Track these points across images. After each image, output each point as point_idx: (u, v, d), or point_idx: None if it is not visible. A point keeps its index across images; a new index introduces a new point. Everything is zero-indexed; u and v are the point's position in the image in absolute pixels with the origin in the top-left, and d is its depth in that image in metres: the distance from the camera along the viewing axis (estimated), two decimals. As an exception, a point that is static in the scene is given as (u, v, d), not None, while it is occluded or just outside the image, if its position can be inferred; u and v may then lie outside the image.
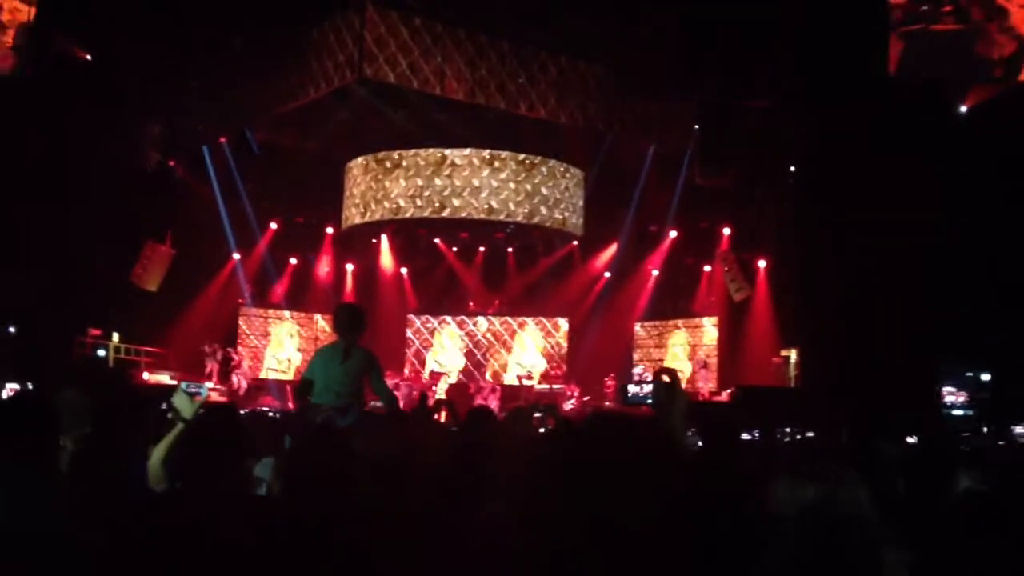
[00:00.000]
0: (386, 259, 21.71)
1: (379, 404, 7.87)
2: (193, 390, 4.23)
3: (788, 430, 9.40)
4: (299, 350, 20.99)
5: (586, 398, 18.97)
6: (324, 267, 21.59)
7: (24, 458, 2.91)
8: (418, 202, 18.28)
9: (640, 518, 1.40)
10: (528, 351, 21.51)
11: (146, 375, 17.77)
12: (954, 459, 4.10)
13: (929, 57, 12.56)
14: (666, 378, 2.71)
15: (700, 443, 4.30)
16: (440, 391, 19.01)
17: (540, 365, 21.22)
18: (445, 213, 18.29)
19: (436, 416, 9.32)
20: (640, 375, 19.52)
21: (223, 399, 15.74)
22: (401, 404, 11.22)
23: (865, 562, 2.37)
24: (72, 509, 2.95)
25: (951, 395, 13.62)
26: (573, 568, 1.46)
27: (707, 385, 19.17)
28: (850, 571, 2.35)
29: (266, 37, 15.55)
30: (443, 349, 21.70)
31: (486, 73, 16.00)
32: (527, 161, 18.51)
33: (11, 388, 10.64)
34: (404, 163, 18.39)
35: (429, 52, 15.62)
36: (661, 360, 20.12)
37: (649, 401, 2.80)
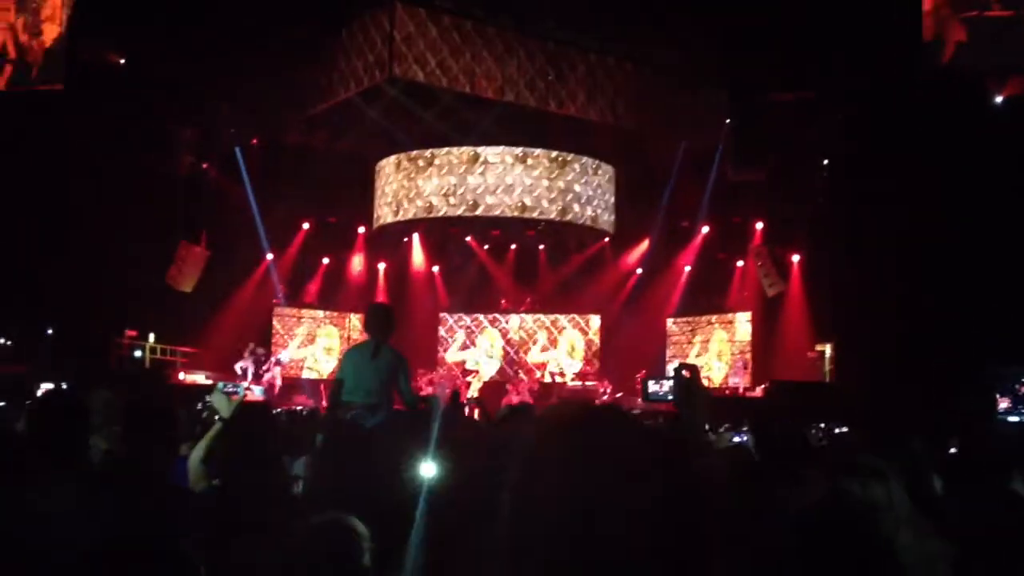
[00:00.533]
0: (418, 258, 21.76)
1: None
2: (230, 389, 4.29)
3: (823, 425, 9.31)
4: (327, 349, 21.05)
5: (619, 394, 18.92)
6: (356, 266, 21.66)
7: (56, 455, 2.94)
8: (451, 200, 18.28)
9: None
10: (560, 349, 21.48)
11: (182, 375, 17.95)
12: (1006, 463, 4.00)
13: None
14: (686, 374, 2.69)
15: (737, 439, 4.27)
16: (473, 389, 19.03)
17: (572, 363, 21.18)
18: (478, 211, 18.27)
19: (468, 414, 9.37)
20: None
21: (259, 398, 15.87)
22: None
23: (909, 553, 2.36)
24: (104, 507, 2.98)
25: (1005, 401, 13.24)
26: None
27: (741, 381, 19.05)
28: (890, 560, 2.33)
29: (296, 39, 15.64)
30: (475, 347, 21.72)
31: (515, 71, 15.98)
32: (560, 158, 18.45)
33: (46, 387, 10.77)
34: (437, 161, 18.39)
35: (458, 50, 15.64)
36: (688, 356, 20.00)
37: (670, 398, 2.78)
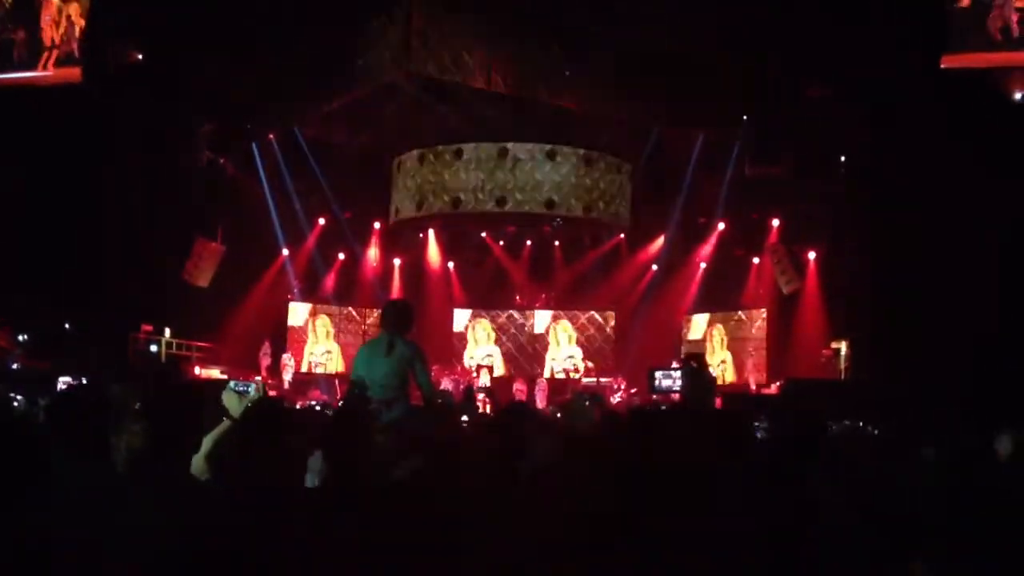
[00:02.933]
0: (433, 254, 21.77)
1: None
2: (241, 388, 4.28)
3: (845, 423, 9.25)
4: (340, 343, 21.03)
5: (633, 391, 18.89)
6: (372, 262, 21.69)
7: (78, 450, 2.95)
8: (480, 195, 18.11)
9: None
10: (571, 345, 21.47)
11: (197, 370, 18.02)
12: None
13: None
14: (694, 364, 2.70)
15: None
16: (484, 383, 19.04)
17: (580, 358, 21.18)
18: (507, 207, 18.13)
19: (478, 405, 9.39)
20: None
21: (273, 393, 15.91)
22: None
23: None
24: (126, 501, 2.98)
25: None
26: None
27: (754, 377, 19.01)
28: None
29: (314, 34, 15.64)
30: (484, 343, 21.71)
31: (533, 66, 15.94)
32: (586, 155, 18.32)
33: (64, 381, 10.81)
34: (465, 156, 18.20)
35: (476, 46, 15.60)
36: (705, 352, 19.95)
37: (676, 388, 2.78)
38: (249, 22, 15.10)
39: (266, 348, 19.30)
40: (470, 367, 20.93)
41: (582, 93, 16.38)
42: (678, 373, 8.88)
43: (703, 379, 2.58)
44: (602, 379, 19.89)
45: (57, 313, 16.07)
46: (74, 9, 14.86)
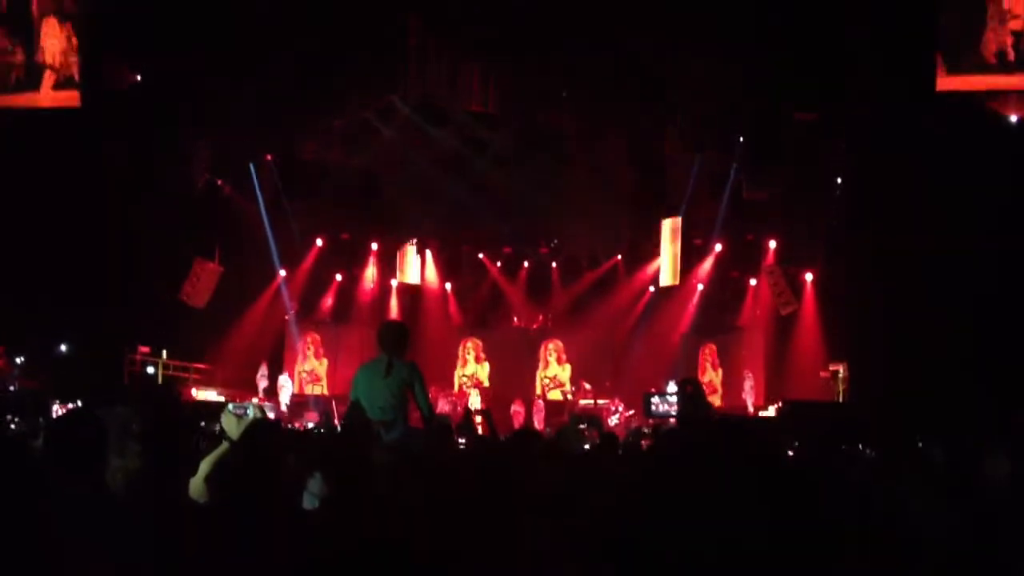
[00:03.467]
0: (431, 274, 21.77)
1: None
2: (239, 411, 4.28)
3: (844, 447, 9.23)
4: (323, 361, 20.93)
5: (630, 412, 18.84)
6: (369, 282, 21.66)
7: (75, 473, 2.95)
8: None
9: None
10: (560, 366, 21.42)
11: (194, 391, 17.96)
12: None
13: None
14: (689, 388, 2.71)
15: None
16: (474, 402, 18.98)
17: (578, 380, 21.12)
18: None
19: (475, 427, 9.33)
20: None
21: (271, 415, 15.84)
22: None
23: None
24: (124, 524, 2.97)
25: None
26: None
27: (750, 399, 18.97)
28: None
29: (311, 56, 15.71)
30: (482, 364, 21.64)
31: (529, 87, 16.02)
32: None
33: (60, 406, 10.79)
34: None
35: (470, 68, 15.68)
36: (704, 373, 19.93)
37: (673, 413, 2.80)
38: (246, 45, 15.16)
39: (263, 370, 19.25)
40: (463, 384, 20.86)
41: (580, 115, 16.45)
42: (674, 398, 8.87)
43: (700, 403, 2.60)
44: (599, 401, 19.83)
45: (54, 334, 16.04)
46: (70, 29, 14.86)
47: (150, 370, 17.59)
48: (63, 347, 16.27)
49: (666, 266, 20.18)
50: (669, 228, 19.91)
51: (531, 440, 4.68)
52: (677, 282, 19.81)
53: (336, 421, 15.03)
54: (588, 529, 2.91)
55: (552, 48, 15.85)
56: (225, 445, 4.03)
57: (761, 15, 13.82)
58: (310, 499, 4.45)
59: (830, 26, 13.48)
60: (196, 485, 3.83)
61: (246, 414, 4.22)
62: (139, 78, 15.90)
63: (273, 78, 16.00)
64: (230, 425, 4.14)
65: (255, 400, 16.92)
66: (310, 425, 15.56)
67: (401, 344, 7.35)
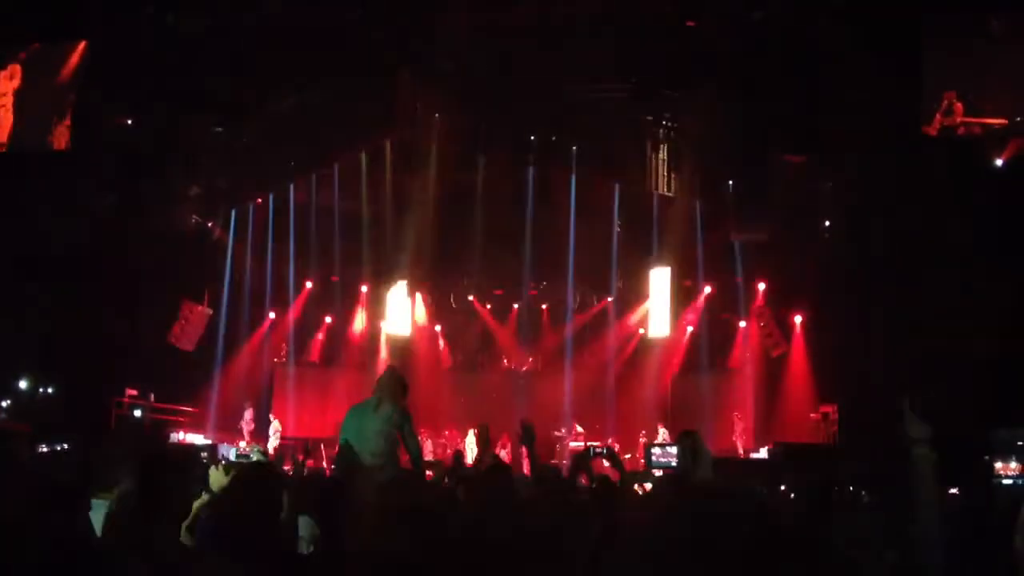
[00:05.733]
0: (420, 317, 21.74)
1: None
2: (241, 456, 4.48)
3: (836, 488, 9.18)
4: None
5: (627, 456, 18.76)
6: (359, 325, 21.60)
7: (60, 513, 2.91)
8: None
9: None
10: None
11: (182, 435, 17.80)
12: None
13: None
14: (688, 441, 2.69)
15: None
16: (469, 445, 18.86)
17: (569, 422, 21.01)
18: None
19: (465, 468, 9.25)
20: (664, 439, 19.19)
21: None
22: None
23: None
24: (108, 565, 2.93)
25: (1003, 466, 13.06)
26: None
27: (740, 442, 18.90)
28: None
29: (300, 100, 15.80)
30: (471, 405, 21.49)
31: (520, 133, 16.13)
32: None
33: (46, 448, 10.66)
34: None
35: (460, 115, 15.79)
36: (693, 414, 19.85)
37: (674, 463, 2.79)
38: (238, 90, 15.25)
39: (249, 415, 19.07)
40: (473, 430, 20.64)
41: (566, 158, 16.54)
42: (674, 448, 8.81)
43: (701, 454, 2.60)
44: (591, 444, 19.70)
45: (41, 377, 15.93)
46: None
47: (137, 413, 17.44)
48: (50, 390, 16.14)
49: (656, 316, 20.27)
50: (659, 278, 20.04)
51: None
52: (668, 333, 19.86)
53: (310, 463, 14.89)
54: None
55: (540, 96, 15.98)
56: (205, 497, 4.15)
57: (750, 59, 13.97)
58: (303, 543, 4.42)
59: (817, 69, 13.61)
60: (182, 536, 3.85)
61: (250, 458, 4.36)
62: (130, 122, 15.95)
63: (263, 122, 16.07)
64: (215, 479, 4.29)
65: (256, 446, 16.78)
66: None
67: (399, 393, 7.30)
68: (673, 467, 13.09)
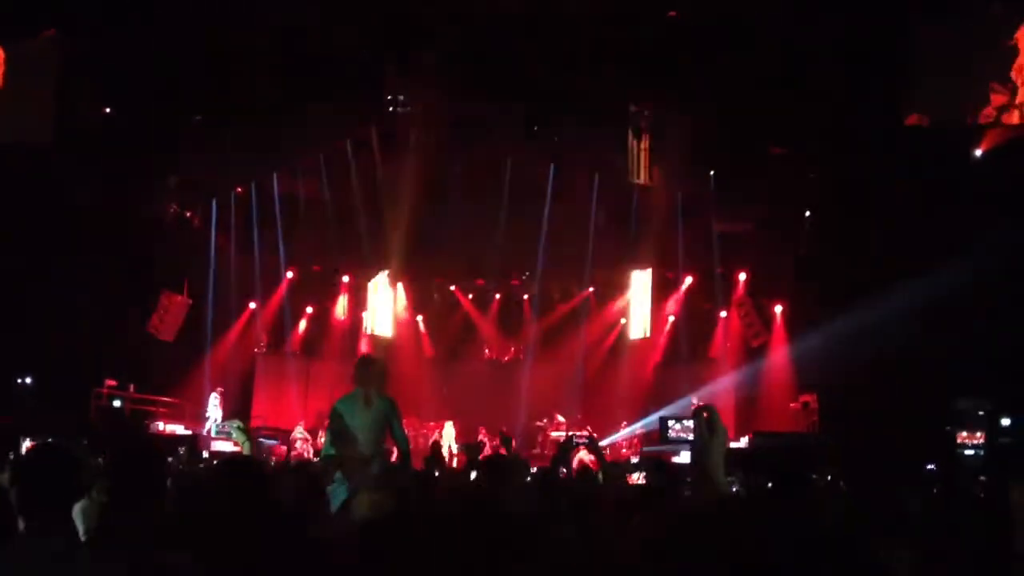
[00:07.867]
0: (401, 306, 21.69)
1: None
2: (225, 431, 4.41)
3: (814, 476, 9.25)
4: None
5: (605, 444, 18.79)
6: (340, 315, 21.53)
7: (48, 510, 2.90)
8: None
9: None
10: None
11: (162, 425, 17.73)
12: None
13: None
14: (706, 415, 2.70)
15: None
16: (448, 437, 18.86)
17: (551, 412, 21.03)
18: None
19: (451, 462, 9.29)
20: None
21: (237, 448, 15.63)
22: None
23: None
24: (93, 560, 2.92)
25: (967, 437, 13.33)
26: None
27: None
28: None
29: (284, 89, 15.70)
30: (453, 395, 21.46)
31: (503, 124, 16.10)
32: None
33: (30, 443, 10.59)
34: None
35: (443, 105, 15.74)
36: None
37: (690, 438, 2.82)
38: (219, 78, 15.16)
39: (216, 399, 18.68)
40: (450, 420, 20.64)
41: (552, 151, 16.53)
42: (690, 422, 8.76)
43: (718, 429, 2.58)
44: (572, 433, 19.74)
45: (19, 368, 15.82)
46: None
47: (117, 404, 17.35)
48: (28, 380, 16.03)
49: (636, 318, 20.35)
50: (639, 280, 20.09)
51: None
52: (647, 335, 19.96)
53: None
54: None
55: (523, 87, 15.93)
56: None
57: (734, 50, 13.99)
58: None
59: (802, 61, 13.66)
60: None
61: (230, 434, 4.29)
62: (109, 111, 15.84)
63: (244, 111, 15.97)
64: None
65: (235, 421, 16.62)
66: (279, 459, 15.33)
67: (379, 380, 7.28)
68: (690, 441, 13.14)
